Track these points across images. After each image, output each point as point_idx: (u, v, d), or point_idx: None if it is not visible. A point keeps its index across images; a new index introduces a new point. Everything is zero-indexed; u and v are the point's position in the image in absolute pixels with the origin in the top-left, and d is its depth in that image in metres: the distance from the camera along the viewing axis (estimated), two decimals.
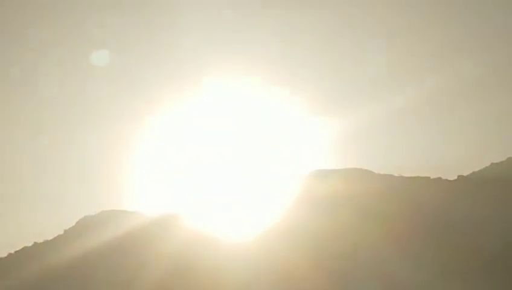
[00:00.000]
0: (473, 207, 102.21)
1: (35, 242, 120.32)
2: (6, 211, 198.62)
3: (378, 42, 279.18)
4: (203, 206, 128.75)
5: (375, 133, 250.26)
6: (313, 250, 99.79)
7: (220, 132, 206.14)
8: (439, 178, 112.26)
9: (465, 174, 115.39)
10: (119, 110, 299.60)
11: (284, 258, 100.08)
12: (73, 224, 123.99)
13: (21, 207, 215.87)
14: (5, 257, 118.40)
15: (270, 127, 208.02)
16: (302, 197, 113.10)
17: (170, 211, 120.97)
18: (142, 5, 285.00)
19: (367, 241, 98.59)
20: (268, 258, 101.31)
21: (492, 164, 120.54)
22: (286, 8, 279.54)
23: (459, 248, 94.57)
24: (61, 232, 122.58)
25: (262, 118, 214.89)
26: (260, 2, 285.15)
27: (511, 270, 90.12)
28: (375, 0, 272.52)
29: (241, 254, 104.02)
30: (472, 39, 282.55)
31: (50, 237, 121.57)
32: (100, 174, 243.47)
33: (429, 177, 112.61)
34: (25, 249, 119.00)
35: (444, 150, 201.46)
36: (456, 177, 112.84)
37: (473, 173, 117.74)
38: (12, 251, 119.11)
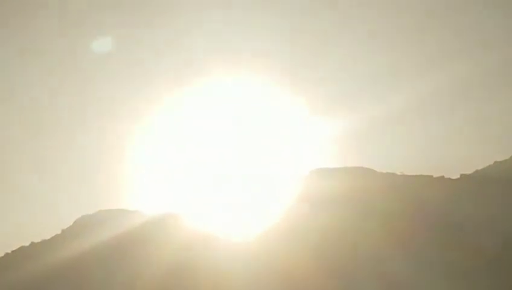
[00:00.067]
0: (476, 206, 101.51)
1: (32, 242, 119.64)
2: (3, 210, 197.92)
3: (378, 42, 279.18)
4: (203, 206, 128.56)
5: (377, 132, 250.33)
6: (313, 250, 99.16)
7: (220, 131, 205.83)
8: (442, 177, 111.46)
9: (468, 172, 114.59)
10: (118, 109, 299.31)
11: (284, 258, 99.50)
12: (71, 223, 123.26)
13: (18, 206, 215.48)
14: (2, 257, 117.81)
15: (270, 126, 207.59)
16: (302, 197, 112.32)
17: (170, 211, 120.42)
18: (142, 5, 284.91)
19: (368, 240, 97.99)
20: (268, 258, 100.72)
21: (495, 162, 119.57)
22: (286, 8, 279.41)
23: (462, 247, 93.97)
24: (59, 232, 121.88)
25: (263, 117, 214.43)
26: (261, 2, 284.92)
27: None
28: (375, 0, 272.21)
29: (241, 254, 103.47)
30: (472, 39, 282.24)
31: (47, 237, 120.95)
32: (98, 174, 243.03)
33: (432, 176, 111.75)
34: (22, 248, 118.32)
35: (446, 149, 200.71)
36: (459, 176, 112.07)
37: (476, 171, 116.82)
38: (9, 251, 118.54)
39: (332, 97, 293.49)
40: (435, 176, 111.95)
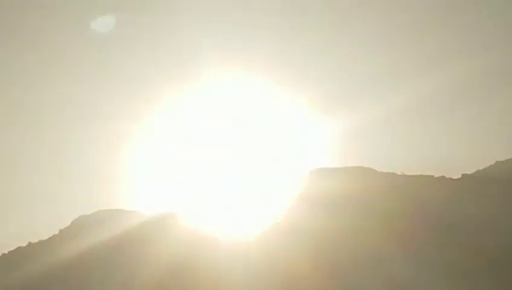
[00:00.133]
0: (477, 206, 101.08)
1: (30, 242, 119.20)
2: (0, 210, 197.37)
3: (378, 42, 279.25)
4: (202, 206, 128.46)
5: (377, 132, 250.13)
6: (313, 250, 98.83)
7: (220, 131, 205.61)
8: (443, 177, 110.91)
9: (469, 172, 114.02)
10: (116, 108, 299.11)
11: (284, 258, 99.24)
12: (69, 224, 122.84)
13: (16, 206, 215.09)
14: None
15: (270, 126, 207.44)
16: (302, 197, 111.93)
17: (169, 211, 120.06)
18: (142, 5, 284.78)
19: (368, 240, 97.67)
20: (268, 258, 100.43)
21: (497, 162, 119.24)
22: (286, 8, 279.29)
23: (463, 247, 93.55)
24: (56, 232, 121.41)
25: (263, 117, 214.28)
26: (261, 2, 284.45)
27: None
28: (375, 0, 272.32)
29: (241, 254, 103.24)
30: (472, 39, 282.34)
31: (45, 237, 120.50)
32: (96, 174, 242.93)
33: (433, 176, 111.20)
34: (19, 249, 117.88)
35: (447, 149, 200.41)
36: (460, 176, 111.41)
37: (478, 171, 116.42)
38: (6, 251, 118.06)
39: (332, 97, 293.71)
40: (435, 176, 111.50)
